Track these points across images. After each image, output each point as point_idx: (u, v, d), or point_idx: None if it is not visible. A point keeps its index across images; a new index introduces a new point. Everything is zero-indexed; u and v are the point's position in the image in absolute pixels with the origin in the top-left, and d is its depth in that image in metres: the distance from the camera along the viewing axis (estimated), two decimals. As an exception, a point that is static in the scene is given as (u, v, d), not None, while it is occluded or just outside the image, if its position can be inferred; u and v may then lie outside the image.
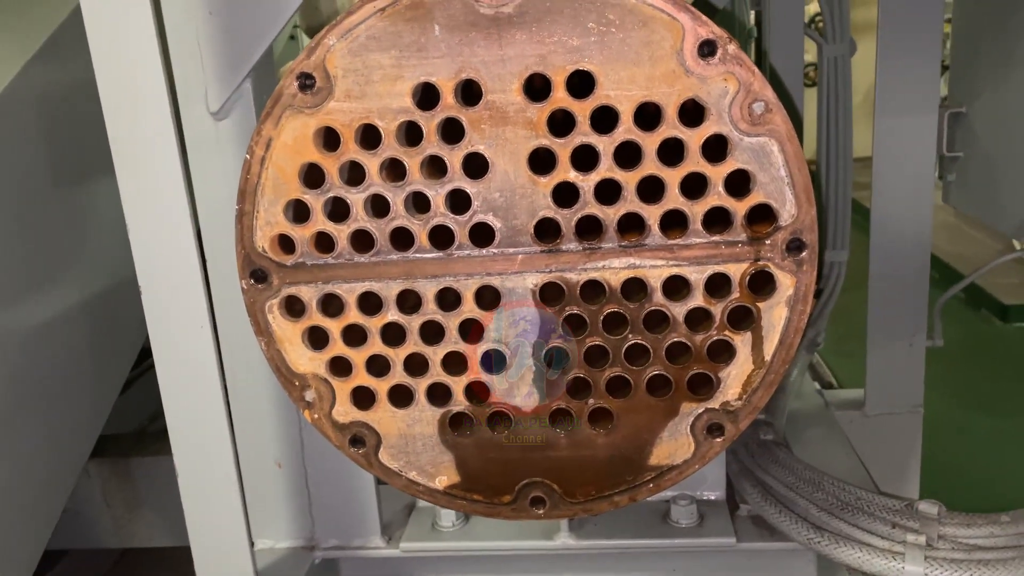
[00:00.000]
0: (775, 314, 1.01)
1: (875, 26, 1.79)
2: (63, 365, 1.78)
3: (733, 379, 1.04)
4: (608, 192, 0.99)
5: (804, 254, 0.99)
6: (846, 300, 2.06)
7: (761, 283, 1.01)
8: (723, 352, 1.04)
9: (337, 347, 1.08)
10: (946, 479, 2.72)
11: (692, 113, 0.96)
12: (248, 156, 1.02)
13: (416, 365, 1.08)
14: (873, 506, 1.46)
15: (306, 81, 0.99)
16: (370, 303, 1.06)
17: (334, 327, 1.07)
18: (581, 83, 0.97)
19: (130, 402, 2.19)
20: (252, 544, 1.53)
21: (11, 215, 1.65)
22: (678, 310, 1.02)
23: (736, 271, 1.00)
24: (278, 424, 1.52)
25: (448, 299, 1.06)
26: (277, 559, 1.55)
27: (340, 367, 1.09)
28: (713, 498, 1.58)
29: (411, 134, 1.00)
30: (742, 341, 1.03)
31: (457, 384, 1.08)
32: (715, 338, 1.03)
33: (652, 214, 0.99)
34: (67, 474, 1.82)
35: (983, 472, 3.24)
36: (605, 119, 0.97)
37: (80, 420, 1.86)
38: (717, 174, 0.97)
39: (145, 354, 2.08)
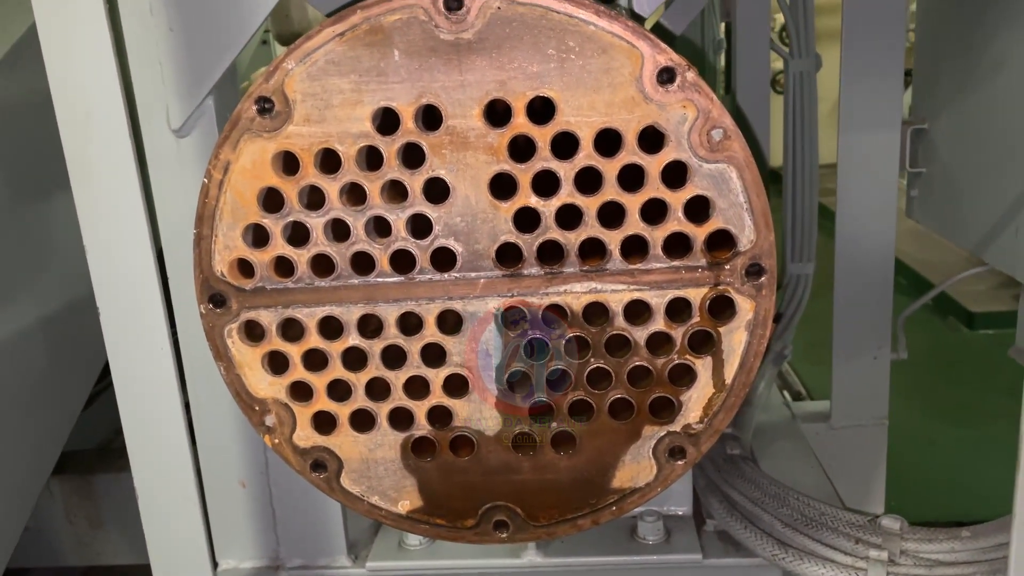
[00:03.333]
0: (735, 338, 1.02)
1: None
2: (24, 382, 1.76)
3: (694, 402, 1.05)
4: (569, 217, 1.00)
5: (763, 279, 1.00)
6: (817, 307, 2.09)
7: (721, 307, 1.02)
8: (684, 376, 1.05)
9: (297, 372, 1.07)
10: (913, 490, 2.74)
11: (651, 139, 0.97)
12: (206, 180, 1.02)
13: (378, 390, 1.08)
14: (837, 521, 1.47)
15: (264, 105, 0.98)
16: (331, 327, 1.06)
17: (294, 352, 1.07)
18: (541, 109, 0.97)
19: (93, 417, 2.16)
20: (216, 565, 1.52)
21: (-32, 231, 1.63)
22: (639, 334, 1.03)
23: (696, 295, 1.01)
24: (242, 443, 1.50)
25: (410, 323, 1.06)
26: (241, 580, 1.52)
27: (301, 392, 1.08)
28: (680, 513, 1.59)
29: (371, 158, 1.00)
30: (703, 365, 1.03)
31: (419, 408, 1.08)
32: (676, 362, 1.04)
33: (613, 239, 1.00)
34: (29, 492, 1.80)
35: (950, 483, 3.27)
36: (565, 145, 0.97)
37: (42, 437, 1.84)
38: (677, 200, 0.98)
39: (108, 369, 2.05)
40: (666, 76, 0.94)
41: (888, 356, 2.00)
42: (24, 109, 1.76)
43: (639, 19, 1.30)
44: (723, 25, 3.23)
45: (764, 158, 2.27)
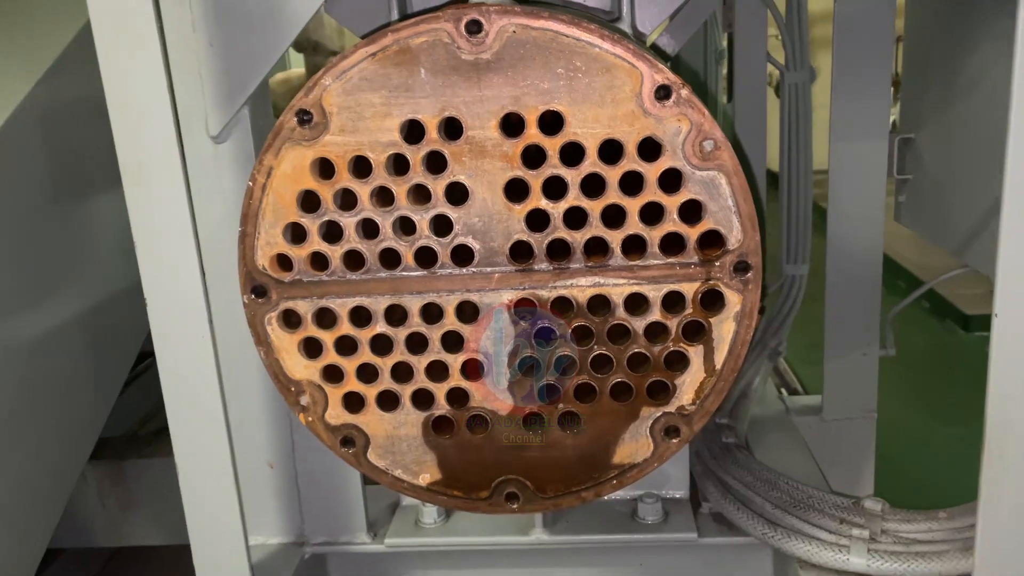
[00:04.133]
0: (724, 328, 1.12)
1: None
2: (64, 373, 1.85)
3: (687, 386, 1.15)
4: (576, 218, 1.09)
5: (749, 275, 1.10)
6: (816, 310, 2.18)
7: (712, 300, 1.12)
8: (678, 362, 1.14)
9: (330, 356, 1.17)
10: (907, 485, 2.82)
11: (650, 149, 1.07)
12: (251, 183, 1.12)
13: (402, 373, 1.17)
14: (823, 504, 1.57)
15: (304, 117, 1.09)
16: (360, 316, 1.15)
17: (327, 338, 1.16)
18: (551, 121, 1.07)
19: (121, 406, 2.24)
20: (247, 540, 1.62)
21: (15, 229, 1.74)
22: (638, 324, 1.13)
23: (689, 289, 1.11)
24: (271, 427, 1.59)
25: (431, 313, 1.15)
26: (269, 554, 1.62)
27: (333, 374, 1.17)
28: (678, 496, 1.69)
29: (399, 165, 1.10)
30: (695, 352, 1.14)
31: (439, 390, 1.18)
32: (671, 349, 1.13)
33: (615, 238, 1.10)
34: (68, 477, 1.89)
35: (942, 478, 3.34)
36: (572, 153, 1.08)
37: (80, 425, 1.92)
38: (672, 203, 1.08)
39: (136, 359, 2.16)
40: (663, 93, 1.05)
41: (877, 353, 2.09)
42: (68, 113, 1.87)
43: (642, 36, 1.41)
44: (725, 35, 3.35)
45: (761, 162, 2.38)
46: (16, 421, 1.70)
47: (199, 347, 1.39)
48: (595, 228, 1.10)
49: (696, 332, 1.13)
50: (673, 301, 1.12)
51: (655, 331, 1.13)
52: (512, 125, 1.08)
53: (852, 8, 1.84)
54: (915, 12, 1.91)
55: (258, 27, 1.32)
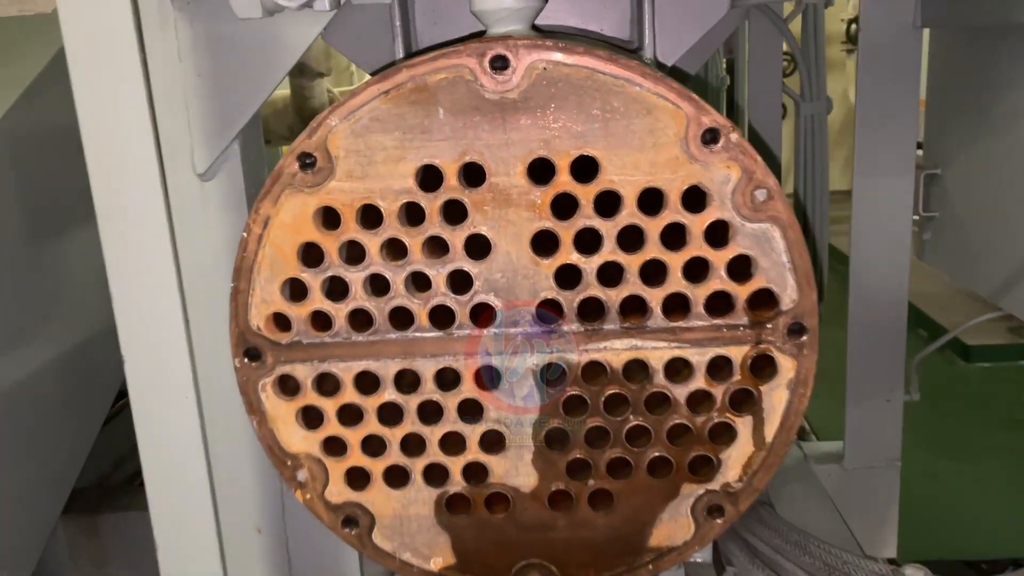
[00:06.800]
0: (776, 397, 1.02)
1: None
2: (34, 423, 1.73)
3: (734, 461, 1.04)
4: (611, 274, 0.99)
5: (805, 338, 1.00)
6: (825, 350, 2.08)
7: (762, 366, 1.02)
8: (724, 434, 1.04)
9: (332, 426, 1.06)
10: (915, 527, 2.74)
11: (695, 199, 0.97)
12: (245, 234, 1.01)
13: (413, 445, 1.07)
14: (859, 570, 1.46)
15: (307, 160, 0.98)
16: (367, 382, 1.05)
17: (329, 406, 1.06)
18: (585, 167, 0.97)
19: (96, 447, 2.11)
20: (231, 613, 1.49)
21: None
22: (680, 391, 1.02)
23: (737, 354, 1.01)
24: (259, 489, 1.47)
25: (447, 379, 1.05)
26: (256, 628, 1.49)
27: (334, 447, 1.07)
28: (699, 560, 1.57)
29: (413, 214, 1.00)
30: (743, 423, 1.03)
31: (455, 464, 1.07)
32: (716, 420, 1.03)
33: (654, 297, 1.00)
34: (39, 534, 1.76)
35: (952, 518, 3.27)
36: (608, 203, 0.97)
37: (52, 479, 1.79)
38: (719, 259, 0.98)
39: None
40: (710, 136, 0.95)
41: (901, 398, 2.00)
42: (42, 142, 1.75)
43: (663, 67, 1.31)
44: (725, 61, 3.28)
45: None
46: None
47: (181, 408, 1.30)
48: (632, 285, 0.99)
49: (744, 401, 1.03)
50: (719, 367, 1.02)
51: (699, 400, 1.04)
52: (541, 171, 0.98)
53: (878, 35, 1.76)
54: (940, 42, 1.83)
55: (250, 56, 1.22)
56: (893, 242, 1.87)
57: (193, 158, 1.29)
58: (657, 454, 1.05)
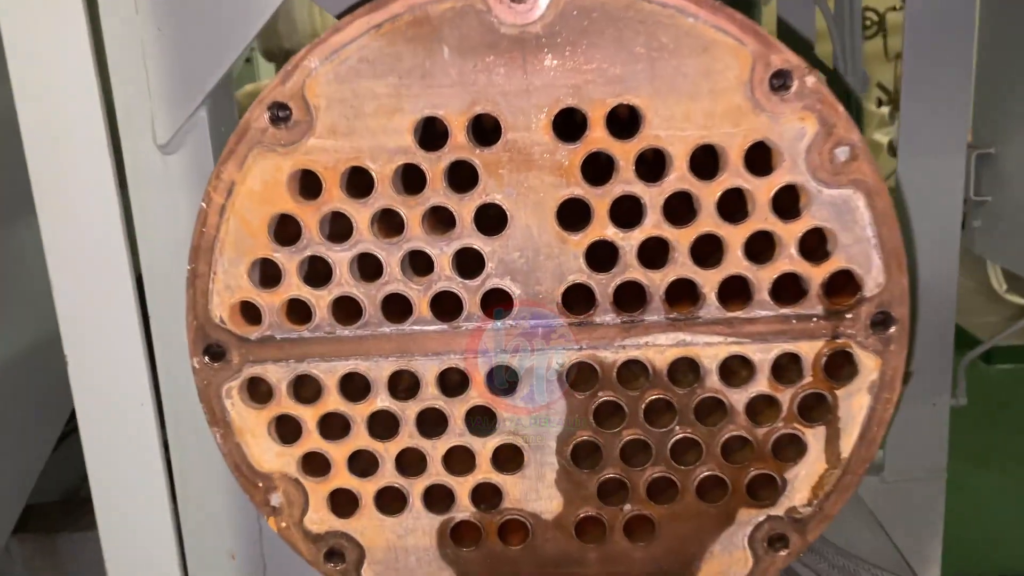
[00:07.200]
0: (855, 403, 0.89)
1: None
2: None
3: (801, 481, 0.92)
4: (654, 253, 0.86)
5: (892, 331, 0.87)
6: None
7: (839, 365, 0.89)
8: (791, 448, 0.92)
9: (312, 440, 0.93)
10: (945, 539, 2.64)
11: (760, 158, 0.83)
12: (204, 205, 0.87)
13: (411, 463, 0.95)
14: (921, 601, 1.30)
15: (280, 113, 0.84)
16: (355, 386, 0.93)
17: (309, 416, 0.93)
18: (625, 119, 0.83)
19: (57, 461, 1.99)
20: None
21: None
22: (737, 397, 0.90)
23: (809, 351, 0.88)
24: (232, 509, 1.34)
25: (452, 382, 0.92)
26: (230, 667, 1.35)
27: (315, 465, 0.95)
28: (735, 587, 1.42)
29: (411, 180, 0.86)
30: (814, 435, 0.90)
31: (462, 486, 0.94)
32: (781, 431, 0.91)
33: (708, 281, 0.87)
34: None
35: (983, 531, 3.21)
36: (653, 164, 0.83)
37: (2, 493, 1.66)
38: (789, 233, 0.85)
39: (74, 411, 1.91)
40: (781, 81, 0.81)
41: (947, 403, 1.84)
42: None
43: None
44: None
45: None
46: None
47: (136, 417, 1.17)
48: (681, 267, 0.86)
49: (816, 408, 0.91)
50: (786, 367, 0.90)
51: (760, 407, 0.91)
52: (570, 125, 0.84)
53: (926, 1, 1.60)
54: (992, 9, 1.67)
55: (220, 9, 1.11)
56: (941, 230, 1.71)
57: (154, 127, 1.18)
58: (708, 473, 0.92)
